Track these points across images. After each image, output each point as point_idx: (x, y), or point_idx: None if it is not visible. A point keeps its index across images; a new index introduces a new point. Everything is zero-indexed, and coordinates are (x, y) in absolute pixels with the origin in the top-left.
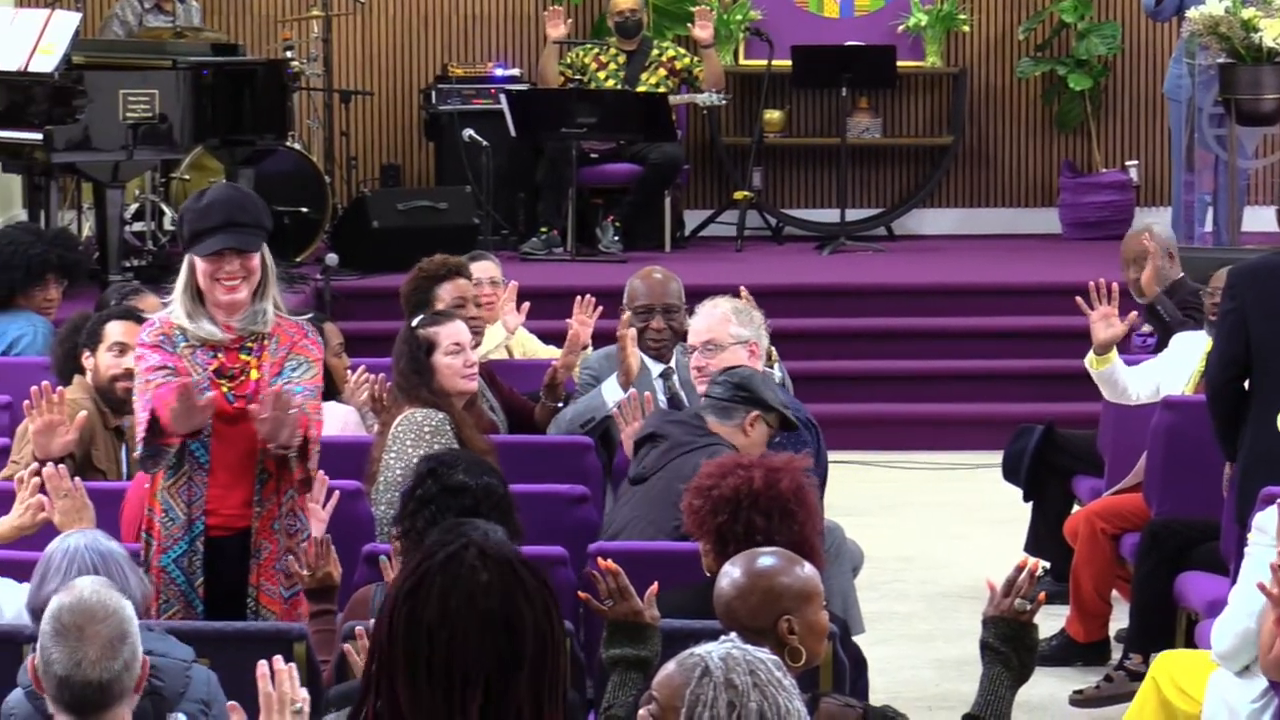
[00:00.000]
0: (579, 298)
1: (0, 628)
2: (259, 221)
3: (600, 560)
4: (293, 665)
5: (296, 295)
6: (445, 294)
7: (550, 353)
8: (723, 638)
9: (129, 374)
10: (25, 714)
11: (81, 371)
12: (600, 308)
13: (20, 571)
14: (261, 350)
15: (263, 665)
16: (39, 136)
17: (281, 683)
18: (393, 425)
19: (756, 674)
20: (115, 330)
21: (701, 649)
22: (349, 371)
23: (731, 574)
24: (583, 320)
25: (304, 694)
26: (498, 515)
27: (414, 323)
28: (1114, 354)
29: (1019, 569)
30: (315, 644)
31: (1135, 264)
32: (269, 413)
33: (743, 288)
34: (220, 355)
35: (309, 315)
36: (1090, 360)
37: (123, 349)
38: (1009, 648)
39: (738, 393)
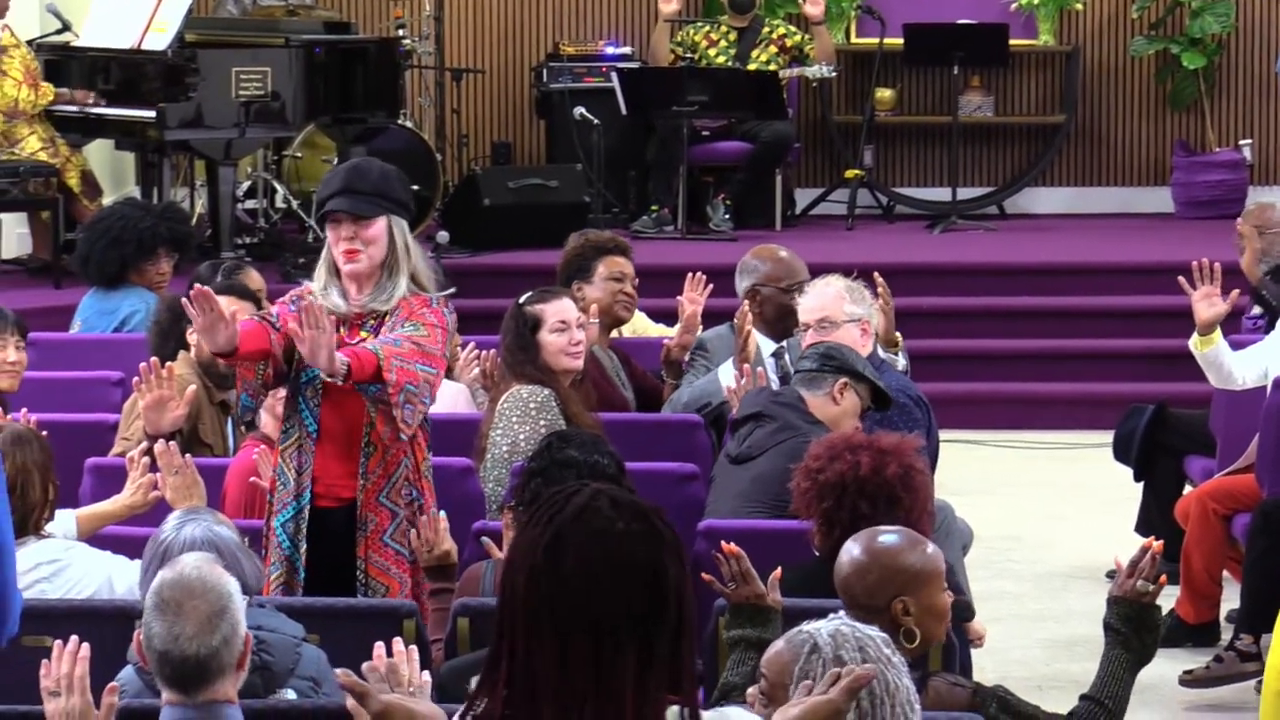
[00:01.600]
0: (690, 275)
1: (112, 603)
2: (378, 190)
3: (724, 544)
4: (413, 648)
5: None
6: (603, 267)
7: (660, 331)
8: (832, 615)
9: None
10: (135, 690)
11: (186, 347)
12: (711, 285)
13: (132, 549)
14: (379, 328)
15: (379, 648)
16: (152, 114)
17: (399, 665)
18: (499, 402)
19: (865, 651)
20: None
21: (810, 626)
22: (459, 349)
23: (852, 551)
24: (693, 298)
25: (425, 677)
26: None
27: (521, 299)
28: (1218, 335)
29: (1143, 550)
30: (432, 623)
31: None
32: (304, 330)
33: (877, 274)
34: (342, 329)
35: (447, 291)
36: (1194, 341)
37: None
38: (1130, 629)
39: (826, 362)
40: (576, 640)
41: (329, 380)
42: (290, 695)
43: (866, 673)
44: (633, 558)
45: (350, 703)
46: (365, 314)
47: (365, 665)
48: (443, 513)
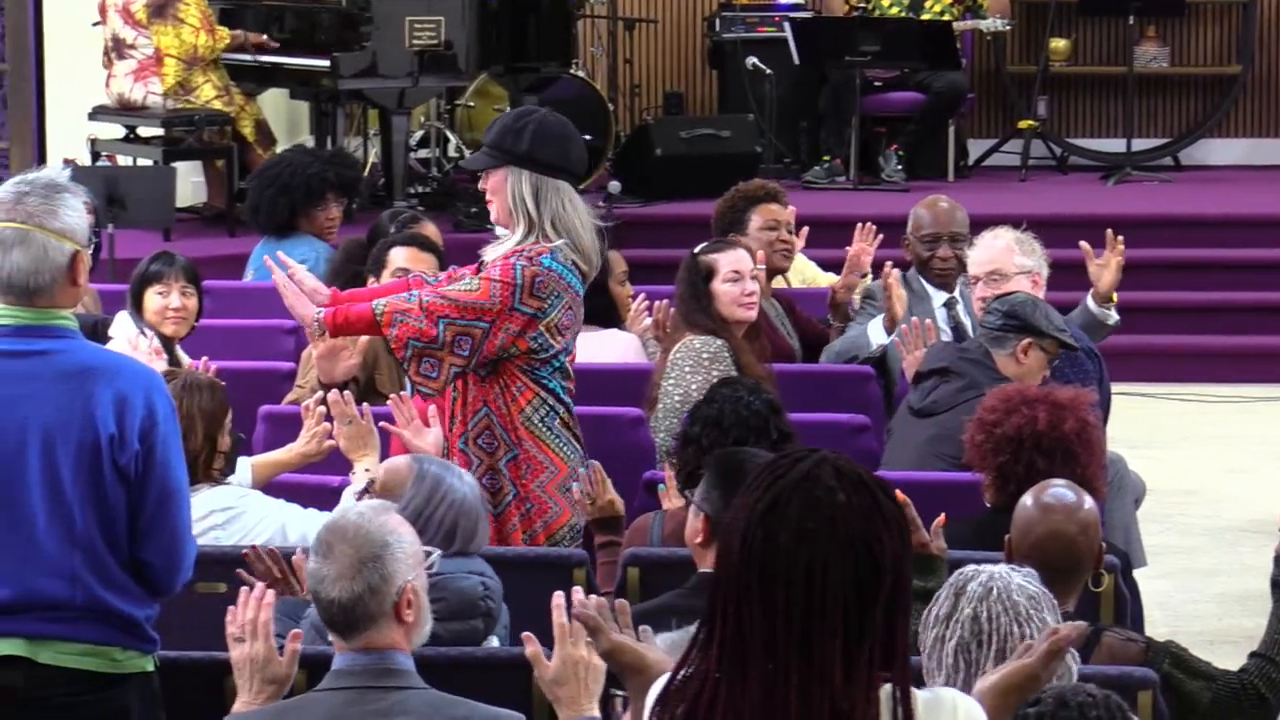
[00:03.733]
0: (860, 224)
1: (283, 550)
2: (498, 143)
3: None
4: (601, 597)
5: None
6: (757, 217)
7: (830, 280)
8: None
9: None
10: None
11: None
12: (881, 235)
13: (306, 497)
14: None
15: (558, 596)
16: (326, 63)
17: (588, 608)
18: (671, 352)
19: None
20: (399, 256)
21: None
22: (631, 300)
23: (1023, 503)
24: (863, 247)
25: (623, 602)
26: (768, 448)
27: (695, 249)
28: None
29: None
30: (601, 575)
31: None
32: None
33: (1110, 231)
34: None
35: (559, 242)
36: None
37: (406, 274)
38: None
39: (1009, 321)
40: (785, 609)
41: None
42: (495, 643)
43: (1066, 636)
44: (849, 530)
45: (529, 651)
46: (478, 266)
47: (577, 603)
48: (596, 463)
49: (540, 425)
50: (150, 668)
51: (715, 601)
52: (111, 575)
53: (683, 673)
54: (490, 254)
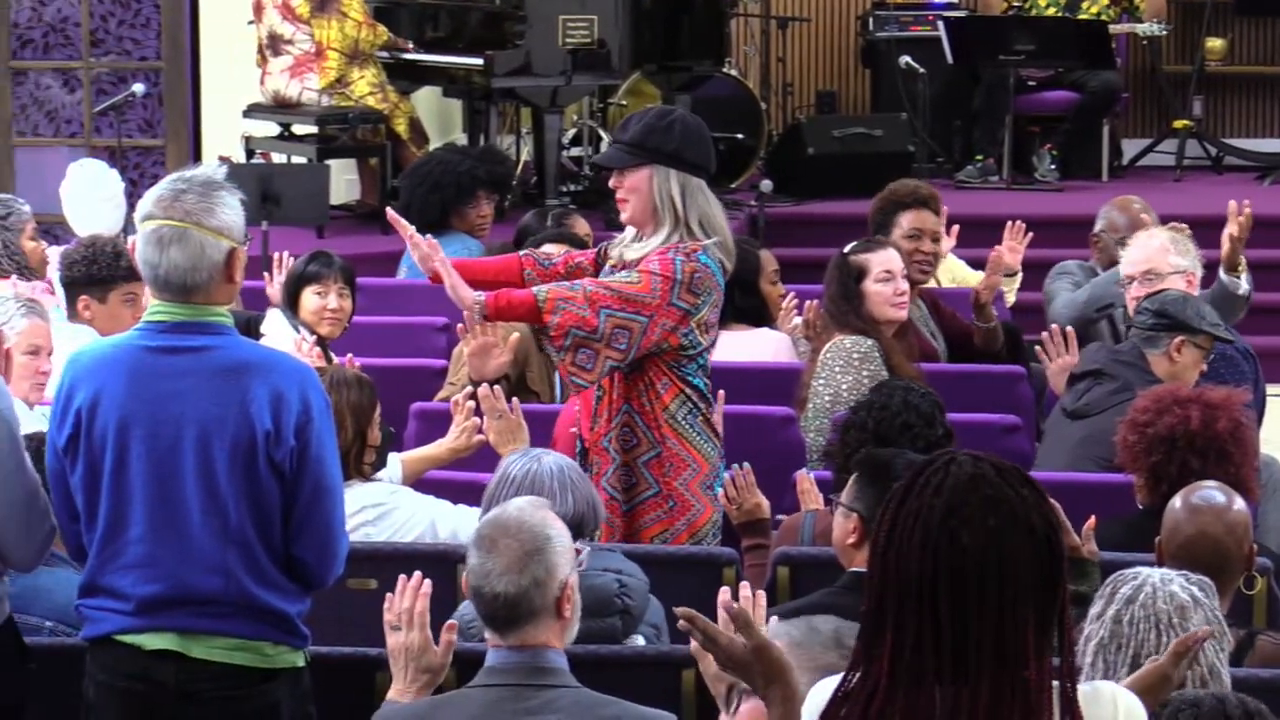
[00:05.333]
0: (1010, 223)
1: (434, 547)
2: (642, 140)
3: None
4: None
5: (731, 221)
6: (905, 221)
7: (979, 279)
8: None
9: None
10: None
11: None
12: (1031, 234)
13: (456, 493)
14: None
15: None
16: (479, 62)
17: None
18: (822, 352)
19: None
20: (550, 252)
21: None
22: (781, 299)
23: (1173, 505)
24: (1012, 246)
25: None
26: (933, 441)
27: (846, 249)
28: None
29: None
30: (750, 578)
31: None
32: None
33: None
34: None
35: (710, 240)
36: None
37: None
38: None
39: (1160, 319)
40: (978, 610)
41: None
42: (639, 641)
43: (1194, 636)
44: (1030, 523)
45: (694, 645)
46: (619, 264)
47: (722, 601)
48: (747, 465)
49: (684, 422)
50: (301, 663)
51: (883, 616)
52: (264, 570)
53: (850, 679)
54: (628, 252)
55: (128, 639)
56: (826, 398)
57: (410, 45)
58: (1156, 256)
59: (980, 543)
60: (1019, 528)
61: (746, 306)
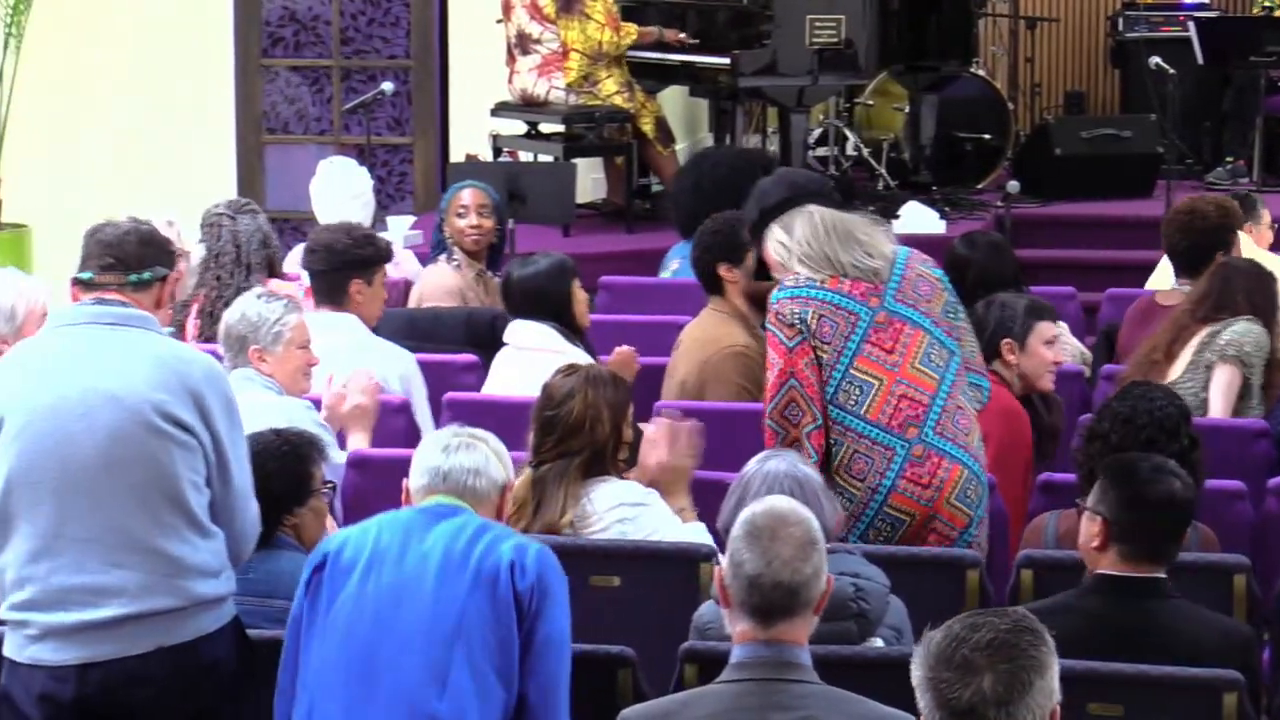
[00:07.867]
0: None
1: (677, 546)
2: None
3: None
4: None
5: (978, 222)
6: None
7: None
8: None
9: None
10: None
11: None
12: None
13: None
14: None
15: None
16: (726, 61)
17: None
18: None
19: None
20: None
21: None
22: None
23: None
24: None
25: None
26: (1177, 452)
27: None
28: None
29: None
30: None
31: None
32: None
33: None
34: None
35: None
36: None
37: None
38: None
39: None
40: None
41: None
42: (878, 644)
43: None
44: None
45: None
46: None
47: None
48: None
49: None
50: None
51: None
52: None
53: None
54: None
55: None
56: None
57: (682, 36)
58: None
59: None
60: None
61: None
